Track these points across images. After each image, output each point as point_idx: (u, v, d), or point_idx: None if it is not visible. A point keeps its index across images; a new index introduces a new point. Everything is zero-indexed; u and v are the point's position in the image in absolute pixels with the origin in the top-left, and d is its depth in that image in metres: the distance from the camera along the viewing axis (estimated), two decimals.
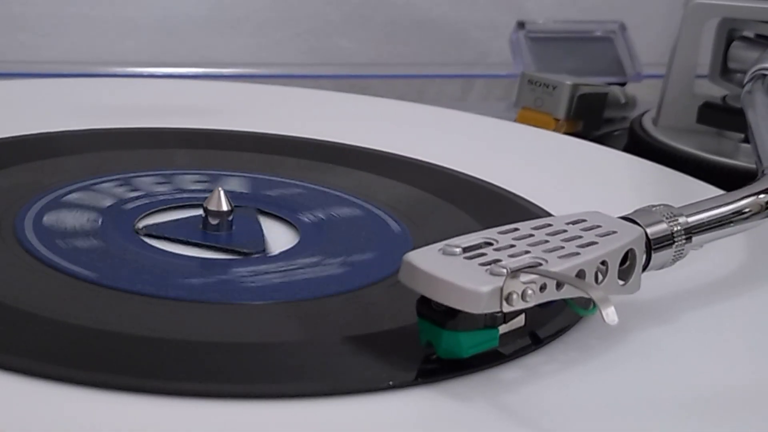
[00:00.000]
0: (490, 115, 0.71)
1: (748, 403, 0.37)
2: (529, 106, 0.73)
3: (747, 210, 0.44)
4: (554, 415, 0.34)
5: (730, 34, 0.68)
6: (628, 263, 0.39)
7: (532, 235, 0.38)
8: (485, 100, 1.00)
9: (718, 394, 0.37)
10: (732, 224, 0.43)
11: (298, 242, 0.46)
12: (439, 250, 0.36)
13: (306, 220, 0.48)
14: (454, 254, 0.36)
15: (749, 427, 0.35)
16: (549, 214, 0.48)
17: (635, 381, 0.37)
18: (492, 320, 0.36)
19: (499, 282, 0.34)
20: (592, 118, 0.73)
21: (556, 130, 0.71)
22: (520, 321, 0.36)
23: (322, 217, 0.49)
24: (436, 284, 0.35)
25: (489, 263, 0.35)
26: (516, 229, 0.38)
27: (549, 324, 0.39)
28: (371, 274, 0.43)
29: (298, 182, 0.53)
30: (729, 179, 0.58)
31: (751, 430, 0.35)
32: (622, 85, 0.80)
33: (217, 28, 0.94)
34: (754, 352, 0.40)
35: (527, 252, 0.37)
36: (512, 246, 0.37)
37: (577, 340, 0.39)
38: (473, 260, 0.36)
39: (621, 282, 0.39)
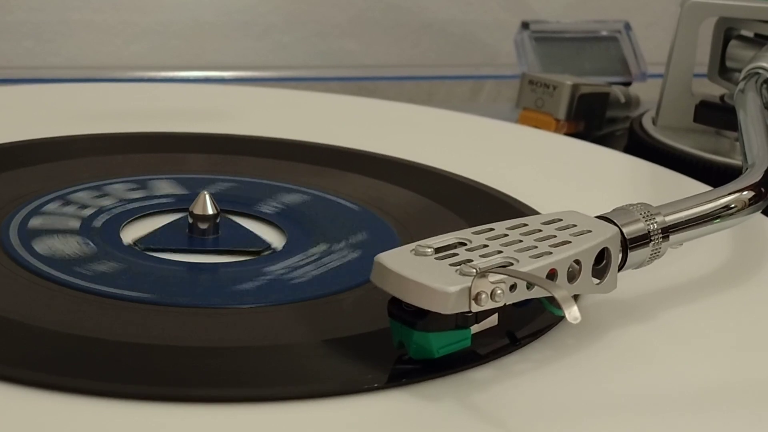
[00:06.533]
0: (499, 116, 0.71)
1: (725, 400, 0.37)
2: (530, 107, 0.73)
3: (733, 206, 0.44)
4: (521, 413, 0.35)
5: (727, 33, 0.68)
6: (604, 262, 0.39)
7: (506, 235, 0.38)
8: (495, 101, 1.01)
9: (695, 392, 0.37)
10: (712, 222, 0.43)
11: (283, 247, 0.47)
12: (411, 250, 0.36)
13: (295, 224, 0.48)
14: (425, 255, 0.36)
15: (725, 424, 0.35)
16: None
17: (609, 379, 0.37)
18: (463, 320, 0.36)
19: (467, 282, 0.34)
20: (594, 118, 0.73)
21: (557, 130, 0.71)
22: (492, 321, 0.37)
23: (313, 221, 0.49)
24: (405, 285, 0.35)
25: (459, 263, 0.36)
26: (491, 229, 0.39)
27: (528, 324, 0.39)
28: (350, 278, 0.43)
29: (297, 187, 0.53)
30: (727, 178, 0.58)
31: (727, 428, 0.35)
32: (627, 85, 0.80)
33: (224, 32, 0.95)
34: (732, 351, 0.40)
35: (499, 252, 0.37)
36: (485, 246, 0.37)
37: (554, 340, 0.39)
38: (444, 260, 0.36)
39: (596, 281, 0.39)
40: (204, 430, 0.33)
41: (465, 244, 0.37)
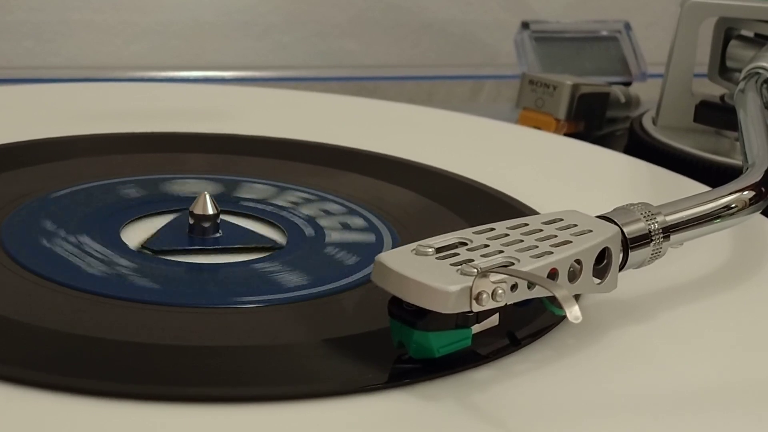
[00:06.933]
0: (499, 116, 0.71)
1: (725, 400, 0.37)
2: (530, 107, 0.73)
3: (734, 206, 0.44)
4: (521, 413, 0.35)
5: (727, 33, 0.68)
6: (604, 262, 0.39)
7: (507, 235, 0.38)
8: (495, 101, 1.01)
9: (695, 392, 0.37)
10: (712, 222, 0.43)
11: (283, 247, 0.46)
12: (412, 250, 0.36)
13: (295, 224, 0.48)
14: (426, 254, 0.36)
15: (725, 424, 0.35)
16: None
17: (609, 379, 0.37)
18: (464, 320, 0.36)
19: (468, 282, 0.34)
20: (594, 118, 0.73)
21: (557, 130, 0.71)
22: (493, 320, 0.37)
23: (313, 222, 0.49)
24: (406, 284, 0.35)
25: (460, 263, 0.35)
26: (492, 229, 0.39)
27: (528, 324, 0.39)
28: (350, 278, 0.43)
29: (297, 187, 0.53)
30: (727, 178, 0.58)
31: (727, 428, 0.35)
32: (627, 84, 0.80)
33: (224, 32, 0.95)
34: (732, 351, 0.40)
35: (500, 252, 0.37)
36: (486, 246, 0.37)
37: (554, 340, 0.39)
38: (445, 260, 0.36)
39: (597, 280, 0.39)
40: (204, 430, 0.33)
41: (466, 244, 0.37)
